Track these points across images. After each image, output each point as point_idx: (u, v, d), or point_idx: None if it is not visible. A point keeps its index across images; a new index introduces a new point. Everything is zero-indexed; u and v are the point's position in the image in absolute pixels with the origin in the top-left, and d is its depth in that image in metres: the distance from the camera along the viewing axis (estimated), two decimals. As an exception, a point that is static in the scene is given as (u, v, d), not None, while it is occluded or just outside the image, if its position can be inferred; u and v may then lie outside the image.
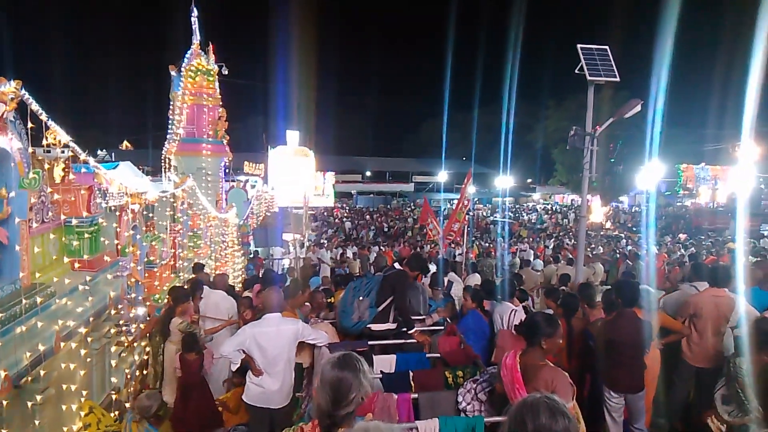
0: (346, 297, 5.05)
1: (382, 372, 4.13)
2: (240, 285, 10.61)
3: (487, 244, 22.67)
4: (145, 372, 6.05)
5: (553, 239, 25.34)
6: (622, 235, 29.63)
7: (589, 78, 6.90)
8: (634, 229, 33.50)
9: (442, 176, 44.48)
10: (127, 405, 5.15)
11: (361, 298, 4.99)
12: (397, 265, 5.36)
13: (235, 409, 5.32)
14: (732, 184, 36.64)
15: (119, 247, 5.58)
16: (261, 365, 4.13)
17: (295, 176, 21.55)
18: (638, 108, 6.99)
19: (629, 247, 21.94)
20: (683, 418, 5.21)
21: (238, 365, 4.29)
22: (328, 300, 7.05)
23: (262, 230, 15.78)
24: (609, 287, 6.37)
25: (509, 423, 1.75)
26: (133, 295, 5.98)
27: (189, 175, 10.06)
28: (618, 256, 17.13)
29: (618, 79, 6.93)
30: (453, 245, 16.53)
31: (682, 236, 25.60)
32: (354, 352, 4.48)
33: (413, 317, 5.42)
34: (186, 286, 6.18)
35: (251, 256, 15.40)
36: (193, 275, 7.57)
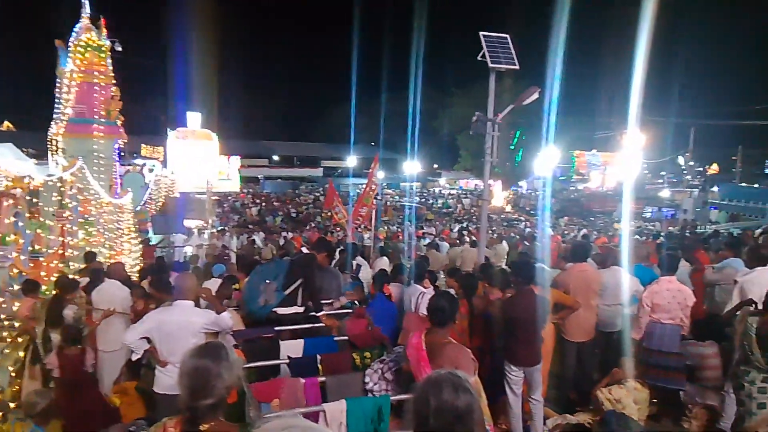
0: (252, 281, 4.94)
1: (289, 357, 4.09)
2: (137, 275, 10.07)
3: (394, 228, 23.03)
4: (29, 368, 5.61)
5: (458, 222, 26.19)
6: (522, 218, 31.18)
7: (490, 65, 7.12)
8: (532, 212, 35.36)
9: (351, 161, 44.53)
10: (12, 405, 4.76)
11: (267, 281, 4.90)
12: (305, 250, 5.33)
13: (131, 402, 5.07)
14: (620, 170, 39.54)
15: (-1, 235, 5.11)
16: (165, 355, 3.95)
17: (198, 160, 20.76)
18: (536, 95, 7.33)
19: (527, 230, 23.15)
20: (574, 388, 5.59)
21: (140, 356, 4.08)
22: (234, 287, 6.87)
23: (162, 217, 15.07)
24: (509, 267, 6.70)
25: (414, 400, 1.78)
26: (16, 287, 5.52)
27: (79, 158, 9.38)
28: (517, 238, 18.03)
29: (518, 67, 7.21)
30: (361, 230, 16.63)
31: (564, 219, 27.27)
32: (261, 338, 4.45)
33: (323, 301, 5.41)
34: (75, 277, 5.79)
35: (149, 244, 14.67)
36: (85, 265, 7.09)
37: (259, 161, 48.99)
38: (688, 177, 35.16)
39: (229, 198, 33.21)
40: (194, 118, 22.28)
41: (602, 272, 5.81)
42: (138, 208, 14.25)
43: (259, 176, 47.30)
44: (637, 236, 16.48)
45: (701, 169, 46.12)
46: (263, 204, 33.31)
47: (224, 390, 2.04)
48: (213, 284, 6.25)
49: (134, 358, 4.23)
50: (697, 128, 32.01)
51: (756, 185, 34.40)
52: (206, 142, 21.89)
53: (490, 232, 19.56)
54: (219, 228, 20.11)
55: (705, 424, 4.97)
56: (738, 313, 4.47)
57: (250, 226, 21.98)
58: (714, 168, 43.81)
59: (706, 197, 31.99)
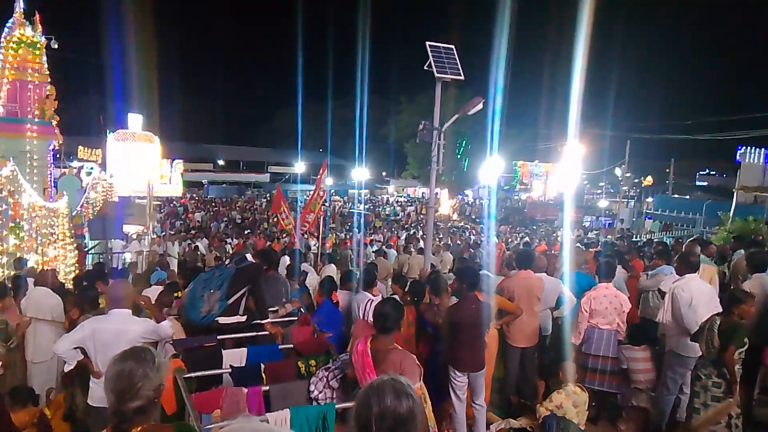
0: (194, 289, 4.78)
1: (231, 366, 3.99)
2: (72, 282, 9.63)
3: (342, 235, 22.93)
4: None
5: (405, 230, 26.35)
6: (467, 226, 31.68)
7: (436, 75, 7.22)
8: (477, 220, 36.02)
9: (299, 167, 44.18)
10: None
11: (212, 290, 4.76)
12: (249, 257, 5.21)
13: (62, 419, 4.80)
14: (560, 180, 40.85)
15: None
16: (100, 366, 3.78)
17: (138, 163, 20.08)
18: (480, 105, 7.48)
19: (472, 237, 23.53)
20: (517, 393, 5.71)
21: (73, 366, 3.89)
22: (175, 295, 6.66)
23: (99, 221, 14.37)
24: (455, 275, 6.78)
25: (356, 406, 1.77)
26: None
27: (9, 158, 8.91)
28: (462, 245, 18.31)
29: (463, 77, 7.34)
30: (307, 236, 16.48)
31: (503, 228, 27.92)
32: (202, 347, 4.32)
33: (270, 309, 5.32)
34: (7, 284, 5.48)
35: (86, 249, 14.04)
36: (15, 271, 6.73)
37: (203, 165, 47.77)
38: (625, 188, 36.66)
39: (172, 203, 32.27)
40: (135, 119, 21.54)
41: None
42: (74, 213, 13.64)
43: (203, 181, 46.12)
44: (578, 244, 17.02)
45: (637, 180, 48.32)
46: (208, 209, 32.52)
47: (152, 392, 2.00)
48: (154, 292, 6.05)
49: (67, 368, 4.04)
50: (632, 141, 33.42)
51: (687, 196, 36.20)
52: (147, 145, 21.19)
53: (437, 239, 19.81)
54: (160, 234, 19.49)
55: (640, 426, 5.17)
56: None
57: (193, 232, 21.35)
58: (649, 180, 45.94)
59: (641, 207, 33.46)
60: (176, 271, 10.75)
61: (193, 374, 3.76)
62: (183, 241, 18.02)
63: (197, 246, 16.52)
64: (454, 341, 4.66)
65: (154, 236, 17.09)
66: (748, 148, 33.41)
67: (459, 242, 19.95)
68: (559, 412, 4.65)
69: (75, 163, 22.36)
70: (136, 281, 9.33)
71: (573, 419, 4.67)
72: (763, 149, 32.85)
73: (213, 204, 35.77)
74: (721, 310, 4.98)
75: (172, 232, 20.92)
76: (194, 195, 40.08)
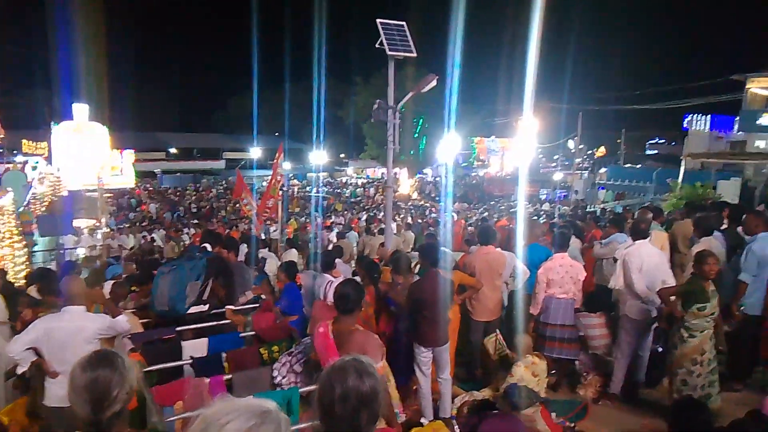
0: (176, 281, 4.65)
1: (192, 357, 3.94)
2: (24, 280, 9.29)
3: (303, 219, 22.80)
4: None
5: (365, 212, 26.37)
6: (427, 204, 31.91)
7: (389, 53, 7.18)
8: (437, 198, 36.28)
9: (255, 152, 43.43)
10: None
11: (196, 281, 4.70)
12: (208, 247, 5.14)
13: (24, 422, 4.66)
14: (516, 155, 41.46)
15: None
16: (56, 366, 3.67)
17: (87, 155, 19.37)
18: (434, 83, 7.48)
19: (433, 215, 23.75)
20: (480, 366, 5.82)
21: (26, 368, 3.76)
22: (131, 288, 6.51)
23: (49, 217, 13.88)
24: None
25: (319, 388, 1.77)
26: None
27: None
28: (423, 223, 18.47)
29: (415, 54, 7.31)
30: (268, 222, 16.32)
31: (457, 205, 28.25)
32: (161, 339, 4.25)
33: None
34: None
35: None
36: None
37: (156, 154, 46.30)
38: (578, 160, 37.50)
39: (124, 194, 31.35)
40: (81, 110, 20.68)
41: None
42: (21, 209, 13.12)
43: (156, 170, 44.82)
44: (535, 217, 17.38)
45: (590, 152, 49.52)
46: (162, 199, 31.74)
47: (126, 397, 1.95)
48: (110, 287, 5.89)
49: (20, 371, 3.90)
50: (584, 113, 34.14)
51: (638, 165, 37.30)
52: (95, 136, 20.44)
53: (398, 219, 19.91)
54: (114, 227, 18.97)
55: (598, 390, 5.36)
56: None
57: (146, 224, 20.87)
58: (601, 151, 47.16)
59: (594, 178, 34.33)
60: (132, 264, 10.47)
61: (153, 368, 3.70)
62: (138, 233, 17.59)
63: (153, 238, 16.15)
64: (418, 317, 4.70)
65: (107, 230, 16.60)
66: (695, 116, 34.64)
67: (420, 221, 20.11)
68: (521, 383, 4.79)
69: (20, 158, 21.40)
70: (92, 277, 9.08)
71: (534, 388, 4.81)
72: (708, 116, 34.10)
73: (167, 194, 34.91)
74: (670, 273, 5.19)
75: (127, 225, 20.39)
76: (147, 185, 38.99)
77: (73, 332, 3.68)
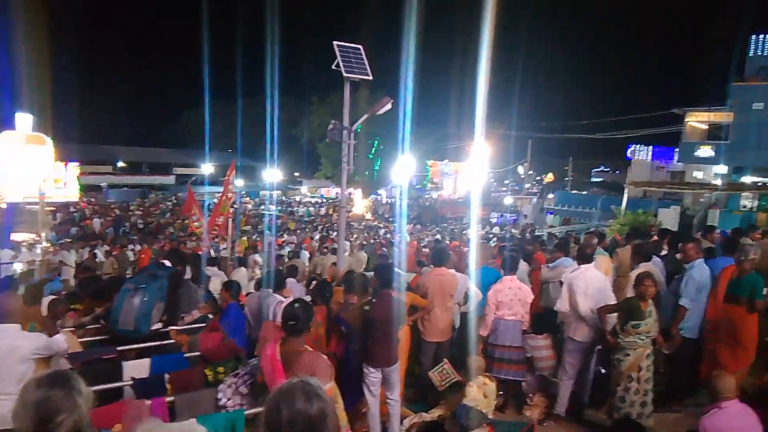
0: (145, 301, 4.45)
1: (133, 378, 3.79)
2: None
3: (254, 238, 22.45)
4: None
5: (319, 231, 26.20)
6: (381, 225, 32.02)
7: (345, 75, 7.24)
8: (391, 219, 36.47)
9: (207, 168, 42.64)
10: None
11: (162, 300, 4.55)
12: (167, 263, 4.99)
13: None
14: (469, 179, 42.26)
15: None
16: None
17: (29, 167, 18.60)
18: (389, 106, 7.58)
19: (387, 236, 23.83)
20: (431, 387, 5.82)
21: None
22: (72, 307, 6.23)
23: (-16, 230, 13.26)
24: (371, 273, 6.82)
25: (266, 411, 1.74)
26: None
27: None
28: (376, 244, 18.50)
29: (371, 77, 7.40)
30: (217, 239, 16.00)
31: (411, 227, 28.51)
32: (101, 359, 4.08)
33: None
34: None
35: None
36: None
37: (102, 168, 44.87)
38: (528, 185, 38.54)
39: (68, 208, 30.12)
40: (24, 119, 19.87)
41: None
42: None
43: (102, 184, 43.36)
44: (485, 240, 17.70)
45: (539, 177, 51.00)
46: (107, 214, 30.62)
47: (72, 425, 1.87)
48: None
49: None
50: (534, 141, 35.27)
51: (584, 192, 38.60)
52: (38, 147, 19.65)
53: (351, 239, 19.88)
54: (56, 242, 18.18)
55: (544, 411, 5.45)
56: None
57: (89, 239, 20.04)
58: (550, 177, 48.62)
59: (543, 203, 35.30)
60: (70, 281, 10.06)
61: (91, 389, 3.54)
62: (81, 249, 16.91)
63: (95, 254, 15.56)
64: (368, 338, 4.69)
65: (47, 245, 15.89)
66: (637, 146, 36.21)
67: (373, 241, 20.13)
68: (473, 403, 4.82)
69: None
70: (30, 294, 8.64)
71: (484, 409, 4.85)
72: (650, 147, 35.72)
73: (112, 208, 33.72)
74: (613, 297, 5.37)
75: (69, 240, 19.57)
76: (92, 199, 37.60)
77: (6, 351, 3.49)
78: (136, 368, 4.04)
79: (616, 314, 5.03)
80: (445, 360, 5.61)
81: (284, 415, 1.66)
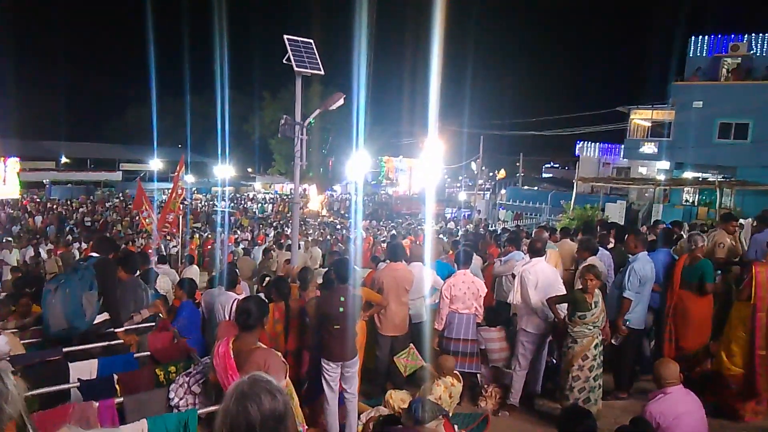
0: (68, 296, 4.18)
1: (80, 380, 3.65)
2: None
3: (206, 235, 22.00)
4: None
5: (273, 228, 25.89)
6: (336, 221, 31.91)
7: (296, 69, 7.15)
8: (346, 215, 36.39)
9: (155, 164, 41.46)
10: None
11: (90, 291, 4.28)
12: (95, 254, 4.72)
13: None
14: (423, 175, 42.63)
15: None
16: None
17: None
18: (341, 101, 7.54)
19: (343, 232, 23.77)
20: (388, 379, 5.85)
21: None
22: (12, 308, 5.97)
23: None
24: (326, 269, 6.79)
25: (229, 413, 1.65)
26: None
27: None
28: (331, 240, 18.43)
29: (323, 72, 7.33)
30: (168, 237, 15.60)
31: (366, 223, 28.57)
32: (45, 361, 3.92)
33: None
34: None
35: None
36: None
37: (44, 164, 42.89)
38: (481, 181, 39.11)
39: (7, 206, 28.75)
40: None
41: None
42: None
43: (44, 181, 41.52)
44: (441, 235, 17.88)
45: (491, 173, 51.86)
46: (49, 212, 29.36)
47: (3, 423, 1.76)
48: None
49: None
50: (486, 137, 35.76)
51: (535, 188, 39.49)
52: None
53: (307, 235, 19.73)
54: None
55: (498, 402, 5.56)
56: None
57: (33, 238, 19.21)
58: (502, 173, 49.45)
59: (495, 199, 35.91)
60: (9, 281, 9.61)
61: (35, 392, 3.39)
62: (23, 248, 16.18)
63: (38, 252, 14.93)
64: (325, 333, 4.67)
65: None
66: (585, 143, 37.24)
67: (329, 237, 20.05)
68: (438, 401, 4.87)
69: None
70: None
71: (446, 406, 4.91)
72: (597, 144, 36.80)
73: (55, 206, 32.35)
74: (563, 289, 5.53)
75: (10, 239, 18.69)
76: (34, 196, 35.98)
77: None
78: (83, 369, 3.89)
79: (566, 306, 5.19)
80: (411, 345, 5.66)
81: (253, 415, 1.62)
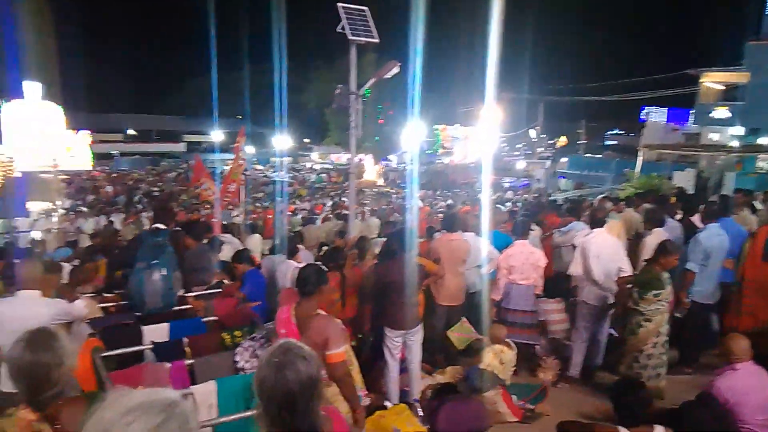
0: (163, 279, 4.42)
1: (153, 342, 3.87)
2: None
3: (266, 204, 22.55)
4: None
5: (330, 198, 26.24)
6: (392, 191, 31.97)
7: (350, 38, 7.10)
8: (403, 185, 36.36)
9: (217, 135, 42.57)
10: None
11: (176, 271, 4.57)
12: (161, 226, 4.94)
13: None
14: (480, 143, 41.88)
15: None
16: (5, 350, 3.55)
17: (40, 136, 18.69)
18: (396, 69, 7.46)
19: (399, 201, 23.83)
20: (442, 350, 5.89)
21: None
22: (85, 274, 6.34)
23: (0, 200, 13.41)
24: (384, 238, 6.84)
25: (266, 380, 1.69)
26: None
27: None
28: (388, 210, 18.52)
29: (377, 40, 7.25)
30: (230, 207, 16.06)
31: (420, 193, 28.35)
32: (120, 324, 4.16)
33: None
34: None
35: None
36: None
37: (112, 136, 45.02)
38: (540, 149, 38.12)
39: (81, 176, 30.36)
40: (33, 88, 19.84)
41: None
42: (-31, 192, 12.61)
43: (113, 152, 43.51)
44: (499, 205, 17.64)
45: (551, 141, 50.40)
46: (120, 182, 30.84)
47: (67, 376, 1.97)
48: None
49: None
50: (546, 104, 34.74)
51: (598, 156, 38.18)
52: (49, 116, 19.69)
53: (362, 204, 19.89)
54: (73, 209, 18.36)
55: (557, 373, 5.51)
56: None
57: (101, 207, 20.23)
58: (562, 140, 47.99)
59: (555, 168, 34.97)
60: (84, 248, 10.15)
61: (111, 352, 3.62)
62: (96, 216, 17.09)
63: (112, 221, 15.71)
64: (387, 302, 4.73)
65: (62, 212, 16.08)
66: (652, 108, 35.60)
67: (384, 207, 20.15)
68: (487, 368, 4.89)
69: (-34, 139, 20.53)
70: (48, 261, 8.79)
71: (500, 374, 4.92)
72: (665, 109, 35.11)
73: (125, 177, 33.93)
74: (627, 261, 5.36)
75: (84, 208, 19.78)
76: (105, 168, 37.83)
77: (26, 318, 3.55)
78: (155, 333, 4.12)
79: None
80: (464, 318, 5.67)
81: (291, 381, 1.67)
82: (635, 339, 4.85)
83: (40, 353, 1.91)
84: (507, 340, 5.26)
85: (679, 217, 7.08)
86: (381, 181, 38.74)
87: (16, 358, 1.92)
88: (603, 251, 5.26)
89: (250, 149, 38.24)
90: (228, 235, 9.01)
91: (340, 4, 7.13)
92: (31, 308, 3.61)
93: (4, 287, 5.36)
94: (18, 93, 20.19)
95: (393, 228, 8.66)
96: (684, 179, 19.45)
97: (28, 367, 1.90)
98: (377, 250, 6.02)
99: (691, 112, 27.53)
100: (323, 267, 3.75)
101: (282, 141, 38.73)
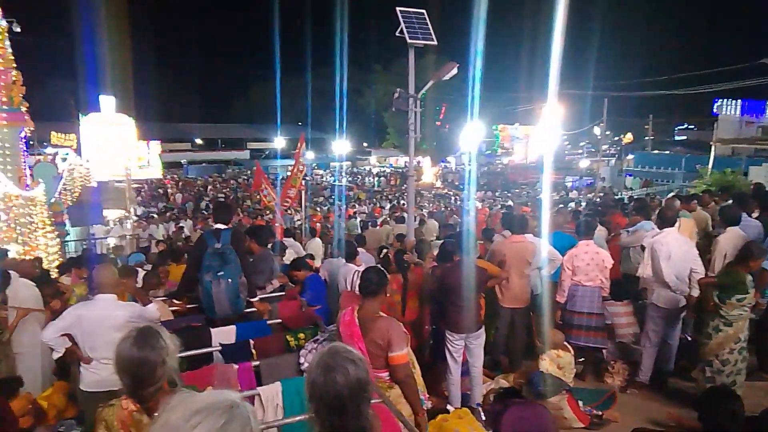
0: (230, 287, 4.57)
1: (221, 344, 4.00)
2: (56, 270, 9.53)
3: (326, 209, 22.91)
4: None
5: (389, 201, 26.37)
6: (450, 193, 31.76)
7: (408, 41, 7.13)
8: (461, 186, 36.07)
9: (279, 142, 43.66)
10: None
11: (242, 278, 4.71)
12: (221, 226, 5.06)
13: (61, 405, 4.80)
14: (541, 142, 40.94)
15: None
16: (88, 351, 3.78)
17: (114, 146, 19.75)
18: (455, 71, 7.42)
19: (457, 203, 23.66)
20: (505, 353, 5.80)
21: (61, 354, 3.88)
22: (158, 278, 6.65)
23: (79, 207, 14.23)
24: (442, 241, 6.82)
25: (318, 383, 1.73)
26: None
27: (-21, 149, 8.71)
28: (446, 212, 18.42)
29: (435, 42, 7.26)
30: (290, 212, 16.43)
31: (480, 194, 27.97)
32: (190, 326, 4.32)
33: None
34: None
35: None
36: (-3, 263, 6.60)
37: (181, 145, 46.98)
38: (605, 146, 36.82)
39: (152, 184, 31.86)
40: (107, 101, 21.02)
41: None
42: (52, 200, 13.43)
43: (182, 161, 45.40)
44: (561, 205, 17.21)
45: (617, 138, 48.63)
46: (189, 189, 32.13)
47: (169, 372, 2.08)
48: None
49: (55, 356, 4.02)
50: (610, 99, 33.45)
51: (666, 152, 36.58)
52: (122, 127, 20.80)
53: (420, 207, 19.89)
54: (144, 216, 19.27)
55: (625, 379, 5.31)
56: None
57: (171, 214, 21.12)
58: (628, 137, 46.20)
59: (621, 165, 33.74)
60: (156, 254, 10.63)
61: (183, 354, 3.77)
62: (166, 223, 17.86)
63: (182, 227, 16.39)
64: (448, 305, 4.71)
65: (135, 219, 16.91)
66: (725, 100, 33.78)
67: (443, 209, 20.06)
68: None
69: (49, 150, 21.91)
70: (122, 266, 9.28)
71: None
72: (738, 101, 33.22)
73: (193, 184, 35.33)
74: (699, 261, 5.10)
75: (156, 215, 20.74)
76: (174, 176, 39.52)
77: (103, 320, 3.78)
78: (223, 334, 4.25)
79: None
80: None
81: (341, 384, 1.69)
82: (713, 343, 4.61)
83: (146, 350, 2.02)
84: (564, 343, 5.12)
85: (756, 214, 6.67)
86: (438, 183, 38.56)
87: (124, 353, 2.03)
88: (674, 252, 5.03)
89: (310, 154, 38.94)
90: (290, 239, 9.21)
91: (398, 9, 7.18)
92: (108, 311, 3.81)
93: (86, 291, 5.72)
94: (94, 106, 21.41)
95: (452, 230, 8.61)
96: (761, 174, 18.35)
97: (134, 363, 2.00)
98: (436, 253, 6.01)
99: (767, 103, 25.89)
100: (384, 269, 3.78)
101: (341, 145, 39.23)
